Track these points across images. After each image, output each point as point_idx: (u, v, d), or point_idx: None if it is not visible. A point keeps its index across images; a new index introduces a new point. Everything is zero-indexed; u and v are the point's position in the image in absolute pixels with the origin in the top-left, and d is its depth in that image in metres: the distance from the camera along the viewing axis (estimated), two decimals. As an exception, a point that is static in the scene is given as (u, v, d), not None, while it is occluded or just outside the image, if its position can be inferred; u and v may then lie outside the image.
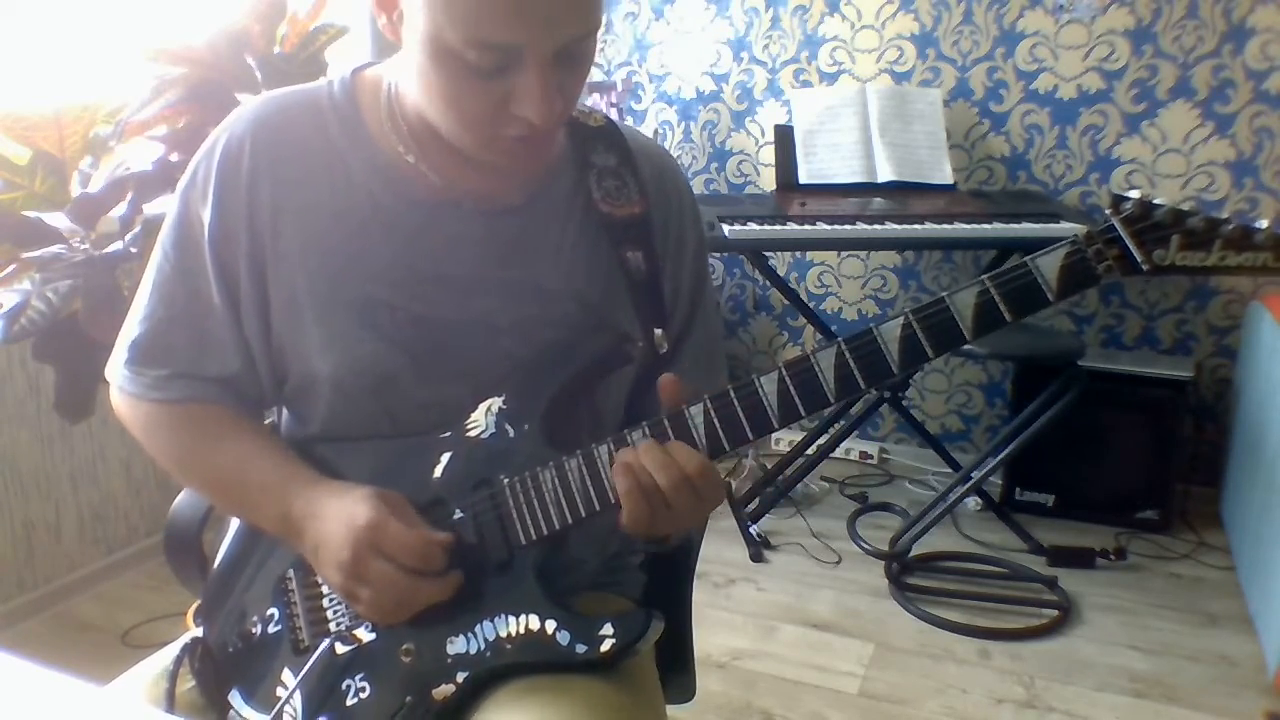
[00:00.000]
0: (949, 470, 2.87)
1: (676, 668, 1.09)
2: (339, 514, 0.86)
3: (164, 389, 0.94)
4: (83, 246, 1.78)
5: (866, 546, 2.67)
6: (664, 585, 1.10)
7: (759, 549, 2.66)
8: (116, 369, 0.97)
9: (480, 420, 0.90)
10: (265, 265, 0.91)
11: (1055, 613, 2.33)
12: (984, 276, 0.78)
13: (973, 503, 2.88)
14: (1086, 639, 2.25)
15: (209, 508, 1.12)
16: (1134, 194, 0.75)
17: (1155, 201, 0.75)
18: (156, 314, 0.94)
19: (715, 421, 0.82)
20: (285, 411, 1.01)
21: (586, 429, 0.95)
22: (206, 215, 0.91)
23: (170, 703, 0.92)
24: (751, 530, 2.70)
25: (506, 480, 0.88)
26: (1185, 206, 0.74)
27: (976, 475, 2.58)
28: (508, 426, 0.89)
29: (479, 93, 0.79)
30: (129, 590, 2.45)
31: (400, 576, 0.84)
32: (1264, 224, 0.72)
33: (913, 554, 2.56)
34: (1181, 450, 2.73)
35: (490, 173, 0.90)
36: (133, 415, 0.97)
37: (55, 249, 1.76)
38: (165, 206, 1.13)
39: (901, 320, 0.78)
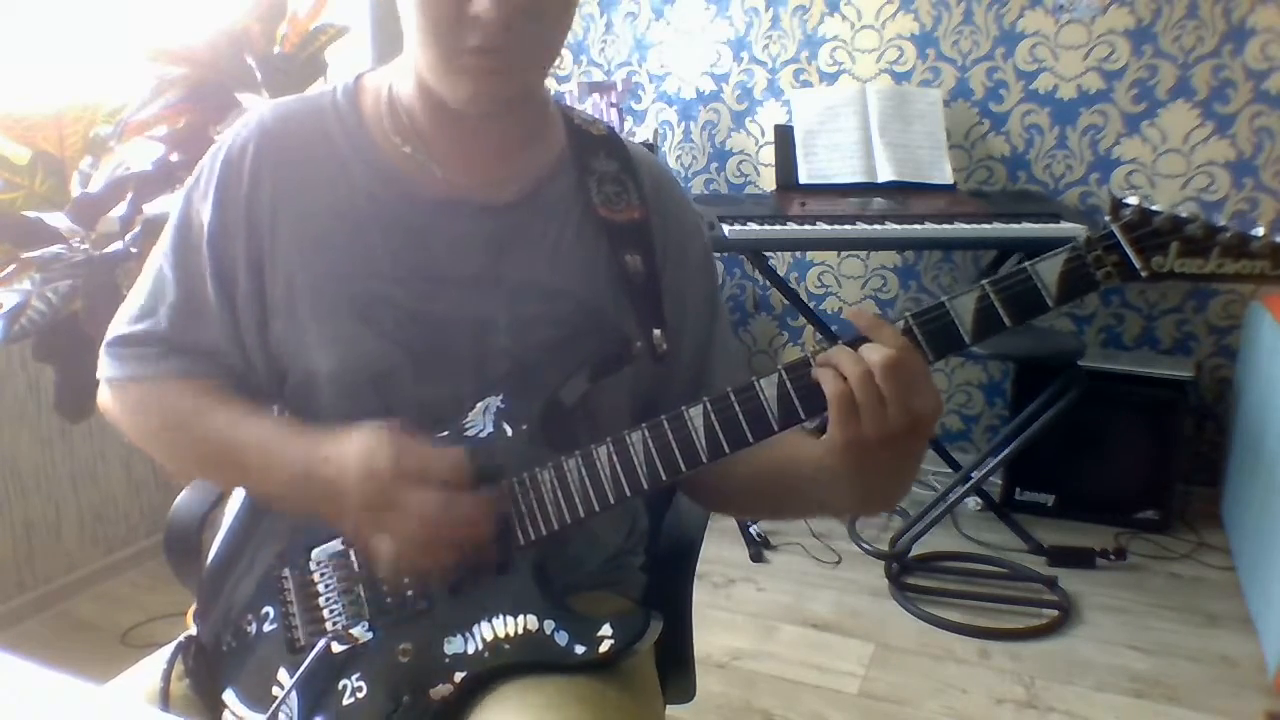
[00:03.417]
0: (949, 470, 2.87)
1: (676, 668, 1.10)
2: (356, 452, 0.84)
3: (153, 364, 0.94)
4: (83, 246, 1.79)
5: (866, 546, 2.67)
6: (664, 585, 1.10)
7: (759, 549, 2.66)
8: (103, 361, 0.97)
9: (478, 419, 0.90)
10: (263, 264, 0.92)
11: (1055, 613, 2.33)
12: (984, 281, 0.78)
13: (973, 503, 2.88)
14: (1086, 639, 2.25)
15: (209, 508, 1.12)
16: (1133, 199, 0.75)
17: (1154, 208, 0.75)
18: (148, 307, 0.95)
19: (715, 424, 0.82)
20: (287, 411, 1.01)
21: (584, 430, 0.95)
22: (206, 214, 0.92)
23: (164, 702, 0.92)
24: (751, 530, 2.70)
25: (504, 480, 0.88)
26: (1184, 212, 0.74)
27: (976, 475, 2.59)
28: (505, 426, 0.90)
29: None
30: (129, 590, 2.45)
31: (435, 496, 0.83)
32: (1260, 231, 0.72)
33: (913, 554, 2.56)
34: (1181, 450, 2.73)
35: (475, 134, 0.92)
36: (121, 404, 0.97)
37: (55, 249, 1.76)
38: (165, 206, 1.14)
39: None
